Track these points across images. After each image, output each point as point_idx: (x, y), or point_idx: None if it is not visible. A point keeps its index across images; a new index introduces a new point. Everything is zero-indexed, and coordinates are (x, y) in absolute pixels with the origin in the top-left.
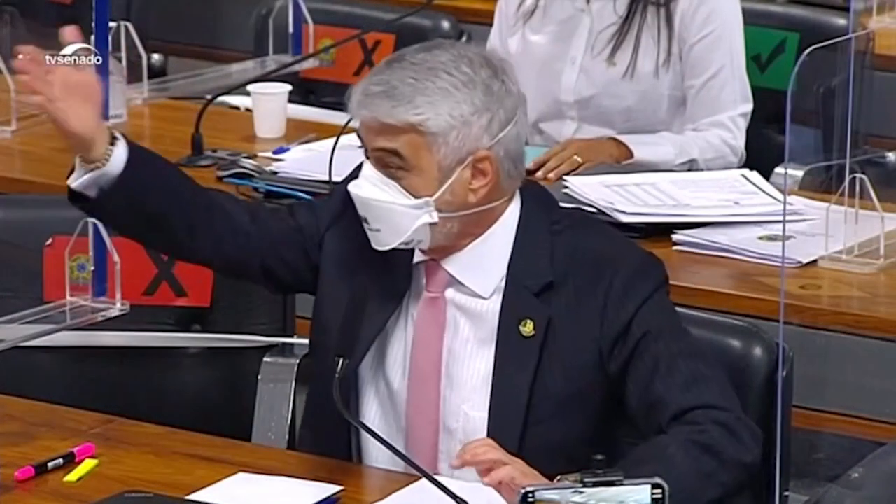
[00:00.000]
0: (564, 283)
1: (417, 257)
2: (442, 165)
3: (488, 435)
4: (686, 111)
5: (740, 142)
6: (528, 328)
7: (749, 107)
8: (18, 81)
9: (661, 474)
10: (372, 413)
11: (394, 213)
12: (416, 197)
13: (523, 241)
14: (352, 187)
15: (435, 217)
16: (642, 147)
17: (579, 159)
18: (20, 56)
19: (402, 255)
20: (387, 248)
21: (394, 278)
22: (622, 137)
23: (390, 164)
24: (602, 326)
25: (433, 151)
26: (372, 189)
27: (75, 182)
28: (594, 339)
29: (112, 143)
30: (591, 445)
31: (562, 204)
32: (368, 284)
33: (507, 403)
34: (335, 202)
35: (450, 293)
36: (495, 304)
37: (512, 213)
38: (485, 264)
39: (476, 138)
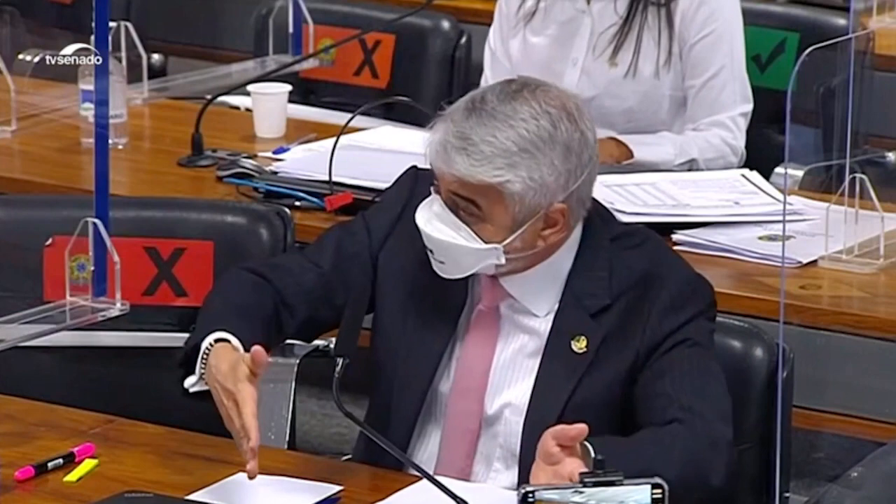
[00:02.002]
0: (619, 302)
1: None
2: (516, 219)
3: (523, 438)
4: (686, 111)
5: (740, 142)
6: (580, 344)
7: (749, 107)
8: (19, 81)
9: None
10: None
11: (461, 251)
12: (486, 242)
13: (583, 261)
14: (421, 223)
15: (502, 259)
16: (642, 147)
17: None
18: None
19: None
20: (449, 277)
21: (450, 291)
22: (622, 137)
23: (464, 209)
24: (643, 337)
25: (508, 207)
26: (441, 226)
27: (196, 387)
28: (634, 350)
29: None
30: None
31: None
32: (426, 297)
33: (546, 411)
34: (388, 218)
35: (504, 307)
36: (548, 320)
37: (575, 237)
38: (545, 286)
39: (552, 195)
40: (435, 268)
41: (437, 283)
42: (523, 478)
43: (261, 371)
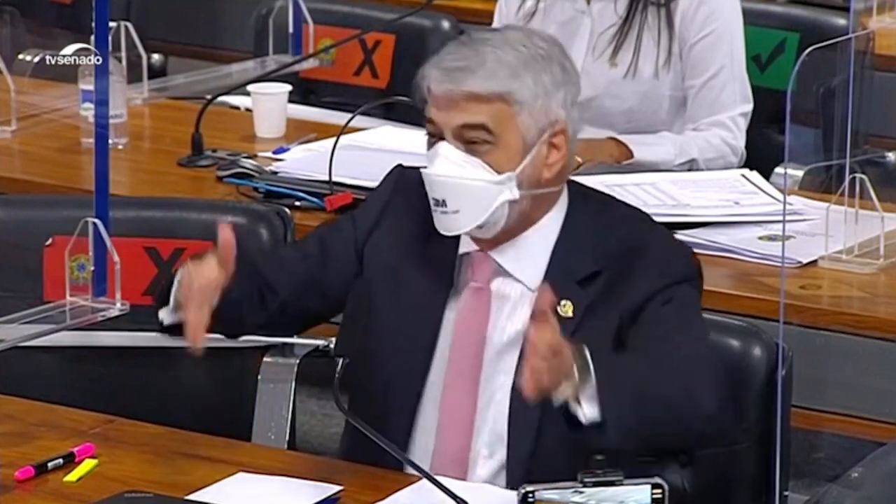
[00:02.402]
0: (605, 270)
1: (463, 248)
2: (525, 138)
3: (511, 404)
4: (686, 111)
5: (740, 142)
6: (566, 310)
7: (749, 107)
8: (19, 81)
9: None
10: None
11: (476, 190)
12: (499, 172)
13: (570, 229)
14: (428, 170)
15: (516, 193)
16: (642, 147)
17: (579, 159)
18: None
19: (445, 250)
20: (461, 231)
21: (438, 273)
22: (622, 137)
23: (474, 139)
24: (627, 303)
25: (518, 123)
26: (453, 167)
27: (169, 318)
28: (618, 316)
29: None
30: None
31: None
32: (413, 285)
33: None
34: (373, 212)
35: (495, 285)
36: (535, 288)
37: (561, 203)
38: (533, 253)
39: (556, 110)
40: (444, 226)
41: (424, 272)
42: (513, 456)
43: (229, 253)
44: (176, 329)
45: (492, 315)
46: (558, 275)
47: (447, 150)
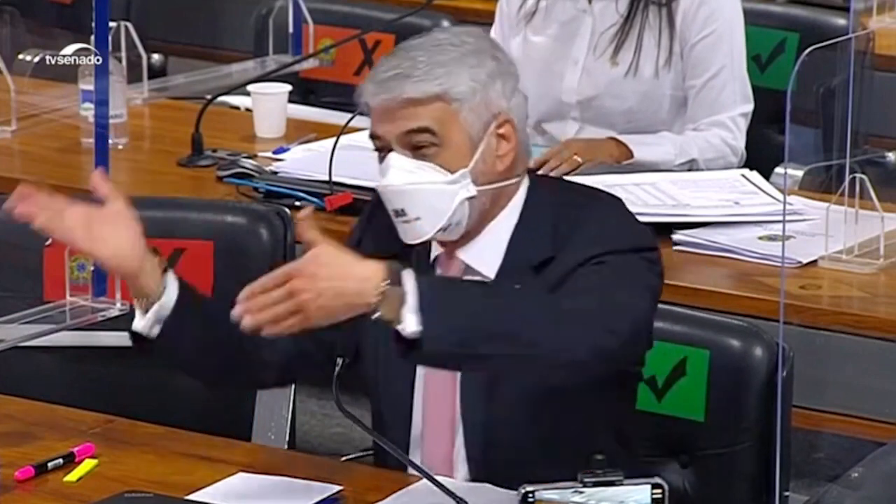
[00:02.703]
0: (561, 256)
1: (434, 252)
2: (470, 134)
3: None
4: (687, 111)
5: (741, 142)
6: None
7: (750, 107)
8: (19, 81)
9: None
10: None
11: (433, 194)
12: (451, 172)
13: (527, 217)
14: (381, 182)
15: (473, 190)
16: (642, 147)
17: (579, 159)
18: (17, 198)
19: (419, 259)
20: (425, 237)
21: None
22: (622, 137)
23: (420, 143)
24: (561, 269)
25: (460, 120)
26: (405, 175)
27: (139, 324)
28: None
29: (163, 273)
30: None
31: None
32: None
33: None
34: (354, 234)
35: None
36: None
37: (520, 195)
38: (492, 245)
39: (496, 101)
40: (408, 237)
41: None
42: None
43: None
44: (140, 338)
45: None
46: (514, 263)
47: (397, 160)
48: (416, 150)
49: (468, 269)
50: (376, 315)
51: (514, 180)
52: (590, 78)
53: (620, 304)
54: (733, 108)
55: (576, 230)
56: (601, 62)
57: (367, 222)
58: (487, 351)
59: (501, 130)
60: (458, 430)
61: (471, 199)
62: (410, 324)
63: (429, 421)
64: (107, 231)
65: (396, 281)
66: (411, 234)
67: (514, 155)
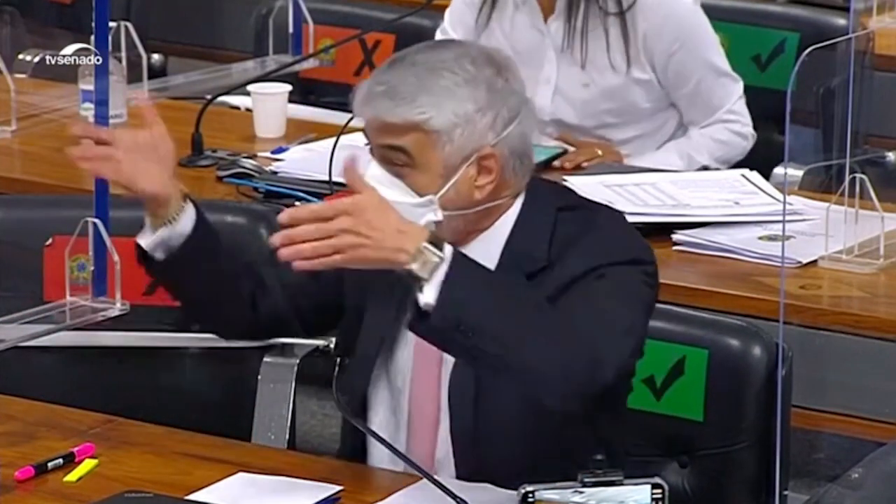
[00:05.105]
0: (557, 266)
1: None
2: (447, 163)
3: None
4: (685, 117)
5: (748, 124)
6: None
7: (740, 85)
8: (19, 81)
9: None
10: (379, 415)
11: (400, 210)
12: (420, 195)
13: (523, 225)
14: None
15: (439, 215)
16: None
17: (600, 151)
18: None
19: None
20: None
21: (400, 279)
22: (628, 161)
23: (395, 160)
24: (559, 280)
25: (438, 149)
26: (378, 186)
27: (146, 241)
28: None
29: (184, 202)
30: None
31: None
32: (377, 288)
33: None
34: None
35: None
36: None
37: (516, 206)
38: (486, 253)
39: (481, 136)
40: None
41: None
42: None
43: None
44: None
45: None
46: (508, 269)
47: (374, 169)
48: (390, 165)
49: None
50: (409, 269)
51: (499, 201)
52: (563, 99)
53: (612, 334)
54: (728, 100)
55: (576, 240)
56: (572, 84)
57: None
58: (482, 346)
59: (483, 163)
60: (440, 434)
61: (438, 222)
62: (428, 295)
63: (415, 412)
64: (145, 159)
65: (437, 247)
66: None
67: (494, 186)
